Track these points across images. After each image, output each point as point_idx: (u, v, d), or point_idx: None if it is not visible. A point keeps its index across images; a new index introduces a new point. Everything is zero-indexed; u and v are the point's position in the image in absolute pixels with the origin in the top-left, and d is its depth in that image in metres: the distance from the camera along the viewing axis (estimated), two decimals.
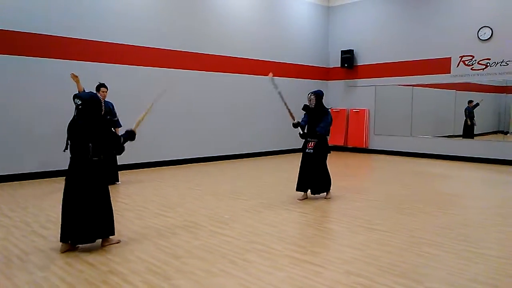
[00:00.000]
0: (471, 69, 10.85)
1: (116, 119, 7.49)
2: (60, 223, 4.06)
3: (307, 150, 6.34)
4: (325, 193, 6.44)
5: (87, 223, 3.98)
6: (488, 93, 11.28)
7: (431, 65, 11.57)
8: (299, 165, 6.50)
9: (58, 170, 8.00)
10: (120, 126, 7.55)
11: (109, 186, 7.24)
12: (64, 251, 3.99)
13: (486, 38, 10.58)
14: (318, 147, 6.25)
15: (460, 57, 11.03)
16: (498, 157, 10.48)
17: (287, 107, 6.56)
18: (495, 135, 11.18)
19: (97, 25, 8.58)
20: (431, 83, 11.68)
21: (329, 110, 6.48)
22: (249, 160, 11.13)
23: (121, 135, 4.37)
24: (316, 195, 6.48)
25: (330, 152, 6.45)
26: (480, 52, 10.68)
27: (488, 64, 10.57)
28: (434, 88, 11.75)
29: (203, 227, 4.86)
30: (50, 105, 8.01)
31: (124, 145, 4.37)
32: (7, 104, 7.55)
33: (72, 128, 4.13)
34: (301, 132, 6.42)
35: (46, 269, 3.57)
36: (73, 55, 8.29)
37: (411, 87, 12.16)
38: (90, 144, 4.03)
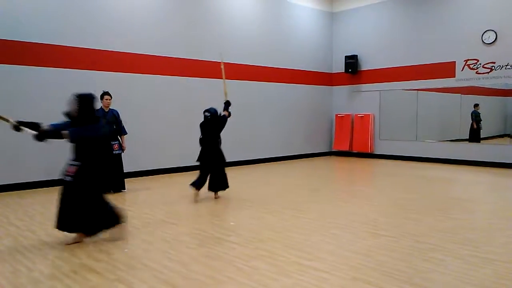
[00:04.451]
0: (476, 72, 10.82)
1: (122, 126, 7.54)
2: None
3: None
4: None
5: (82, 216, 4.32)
6: (494, 97, 11.24)
7: (436, 69, 11.55)
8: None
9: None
10: (126, 133, 7.60)
11: (115, 194, 7.33)
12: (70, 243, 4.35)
13: (490, 42, 10.56)
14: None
15: (464, 61, 11.01)
16: (504, 160, 10.42)
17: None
18: (501, 138, 11.12)
19: (100, 34, 8.66)
20: (436, 88, 11.66)
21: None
22: (256, 166, 11.13)
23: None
24: None
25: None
26: (485, 55, 10.65)
27: (493, 68, 10.55)
28: (439, 92, 11.73)
29: (209, 233, 4.87)
30: (55, 115, 8.06)
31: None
32: (13, 112, 7.60)
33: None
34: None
35: (53, 277, 3.59)
36: (78, 64, 8.38)
37: (416, 91, 12.14)
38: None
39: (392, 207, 6.24)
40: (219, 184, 6.82)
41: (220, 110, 6.99)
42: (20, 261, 4.00)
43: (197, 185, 6.67)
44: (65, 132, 4.30)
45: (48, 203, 6.65)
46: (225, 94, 7.27)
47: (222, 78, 7.44)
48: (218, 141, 6.80)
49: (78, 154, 4.45)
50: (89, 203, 4.42)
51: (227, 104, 7.10)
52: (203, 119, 6.79)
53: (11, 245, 4.49)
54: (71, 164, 4.45)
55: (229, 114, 7.00)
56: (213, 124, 6.71)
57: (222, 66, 7.43)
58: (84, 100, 4.46)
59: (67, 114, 4.50)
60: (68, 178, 4.39)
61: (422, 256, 4.02)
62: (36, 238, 4.77)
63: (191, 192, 6.76)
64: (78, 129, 4.36)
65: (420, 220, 5.42)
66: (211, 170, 6.75)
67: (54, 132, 4.35)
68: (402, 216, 5.67)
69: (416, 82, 12.03)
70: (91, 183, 4.46)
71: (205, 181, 6.75)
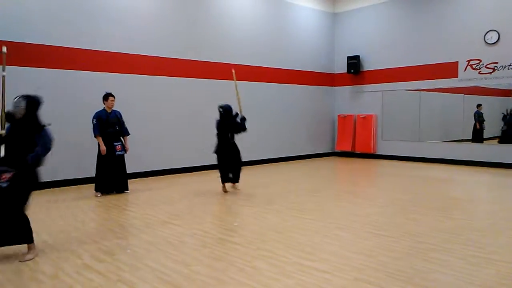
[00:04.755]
0: (479, 73, 10.80)
1: (124, 127, 7.56)
2: None
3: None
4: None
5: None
6: (496, 97, 11.22)
7: (438, 69, 11.54)
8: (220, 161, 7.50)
9: (66, 180, 8.15)
10: (128, 134, 7.62)
11: (118, 195, 7.35)
12: None
13: (493, 42, 10.53)
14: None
15: (467, 61, 10.99)
16: (507, 161, 10.38)
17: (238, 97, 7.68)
18: None
19: (101, 36, 8.68)
20: (439, 88, 11.64)
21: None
22: (258, 167, 11.14)
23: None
24: None
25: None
26: (488, 56, 10.63)
27: (496, 68, 10.52)
28: (442, 93, 11.71)
29: (211, 234, 4.89)
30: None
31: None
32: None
33: None
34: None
35: (55, 278, 3.61)
36: (78, 65, 8.41)
37: (418, 92, 12.12)
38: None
39: (394, 208, 6.24)
40: (234, 176, 7.51)
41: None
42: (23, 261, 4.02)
43: (224, 179, 7.45)
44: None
45: (49, 204, 6.69)
46: (240, 110, 7.59)
47: (238, 98, 7.76)
48: (232, 135, 7.46)
49: (13, 160, 4.02)
50: (12, 212, 4.03)
51: (243, 120, 7.47)
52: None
53: (13, 246, 4.51)
54: (5, 171, 3.95)
55: (245, 128, 7.50)
56: (226, 119, 7.31)
57: (235, 83, 7.76)
58: (33, 104, 4.15)
59: (9, 115, 4.11)
60: (4, 185, 3.92)
61: (423, 256, 4.02)
62: (39, 238, 4.78)
63: (221, 187, 7.50)
64: (38, 153, 4.08)
65: (421, 220, 5.42)
66: (228, 163, 7.38)
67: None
68: (403, 216, 5.67)
69: (419, 83, 12.01)
70: (23, 192, 4.07)
71: (228, 174, 7.43)
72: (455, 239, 4.58)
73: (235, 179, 7.58)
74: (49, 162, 7.86)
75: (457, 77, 11.20)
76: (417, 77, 12.02)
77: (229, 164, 7.44)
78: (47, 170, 7.88)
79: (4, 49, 4.55)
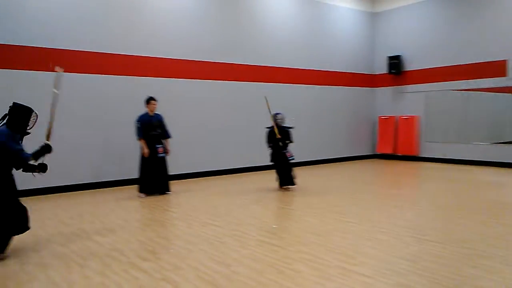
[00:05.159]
0: None
1: (166, 130, 7.74)
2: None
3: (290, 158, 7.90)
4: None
5: None
6: None
7: (485, 68, 11.04)
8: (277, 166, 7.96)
9: (109, 181, 8.49)
10: (170, 137, 7.79)
11: (160, 196, 7.55)
12: None
13: None
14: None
15: None
16: None
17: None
18: None
19: (140, 41, 8.92)
20: (486, 87, 11.14)
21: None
22: (297, 170, 11.08)
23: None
24: None
25: None
26: None
27: None
28: (490, 92, 11.20)
29: (251, 236, 4.92)
30: (101, 121, 8.43)
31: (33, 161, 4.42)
32: (65, 120, 8.01)
33: None
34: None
35: (103, 275, 3.76)
36: (120, 70, 8.71)
37: (464, 91, 11.65)
38: None
39: (438, 212, 6.03)
40: (286, 179, 7.89)
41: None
42: (73, 258, 4.22)
43: (281, 182, 7.94)
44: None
45: (96, 203, 6.97)
46: (277, 134, 7.81)
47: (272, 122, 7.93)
48: (285, 143, 7.88)
49: None
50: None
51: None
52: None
53: (64, 243, 4.74)
54: None
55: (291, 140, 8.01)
56: (279, 128, 7.79)
57: (268, 108, 8.01)
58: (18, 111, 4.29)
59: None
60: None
61: (470, 263, 3.87)
62: (86, 236, 5.00)
63: (279, 189, 7.92)
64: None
65: (469, 226, 5.21)
66: (280, 167, 7.86)
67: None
68: (448, 221, 5.47)
69: (464, 82, 11.55)
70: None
71: (283, 177, 7.86)
72: (505, 245, 4.38)
73: (289, 182, 7.90)
74: (95, 164, 8.28)
75: (506, 75, 10.68)
76: (462, 77, 11.56)
77: (281, 169, 7.90)
78: (93, 172, 8.34)
79: (60, 69, 4.94)
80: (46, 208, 6.63)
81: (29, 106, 4.38)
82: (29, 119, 4.32)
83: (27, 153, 4.32)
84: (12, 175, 4.36)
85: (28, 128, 4.35)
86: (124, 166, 8.54)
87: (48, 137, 4.61)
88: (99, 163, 8.43)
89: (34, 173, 4.47)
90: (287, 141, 7.89)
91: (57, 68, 4.92)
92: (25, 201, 4.61)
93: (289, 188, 7.93)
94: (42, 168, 4.49)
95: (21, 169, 4.40)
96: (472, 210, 6.06)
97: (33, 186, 7.15)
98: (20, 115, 4.29)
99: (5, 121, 4.28)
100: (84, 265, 4.02)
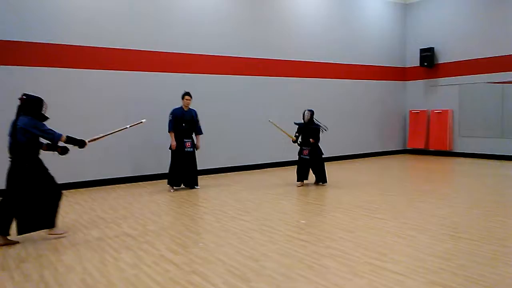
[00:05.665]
0: None
1: (198, 126, 7.79)
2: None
3: (302, 156, 7.89)
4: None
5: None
6: None
7: None
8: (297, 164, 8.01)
9: (147, 175, 8.67)
10: (201, 133, 7.83)
11: (189, 190, 7.65)
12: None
13: None
14: (312, 152, 7.79)
15: None
16: None
17: (282, 131, 8.03)
18: None
19: (164, 37, 8.99)
20: None
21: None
22: (326, 165, 10.99)
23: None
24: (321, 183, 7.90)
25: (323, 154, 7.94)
26: None
27: None
28: None
29: (279, 231, 4.92)
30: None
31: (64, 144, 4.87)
32: (103, 116, 8.21)
33: None
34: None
35: (136, 267, 3.85)
36: (151, 66, 8.85)
37: (500, 84, 11.20)
38: None
39: (474, 209, 5.84)
40: (319, 177, 7.94)
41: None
42: (107, 251, 4.34)
43: (299, 178, 7.91)
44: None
45: (130, 197, 7.13)
46: (291, 136, 7.92)
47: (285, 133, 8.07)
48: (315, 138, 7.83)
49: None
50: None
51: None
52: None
53: (99, 236, 4.88)
54: None
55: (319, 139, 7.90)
56: (310, 124, 7.79)
57: (281, 130, 8.08)
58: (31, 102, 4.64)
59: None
60: None
61: (508, 261, 3.74)
62: (120, 230, 5.13)
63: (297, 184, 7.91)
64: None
65: (505, 223, 5.03)
66: (310, 165, 7.87)
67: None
68: (484, 219, 5.29)
69: (500, 74, 11.10)
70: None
71: (302, 174, 7.86)
72: None
73: (321, 179, 7.95)
74: (134, 158, 8.47)
75: None
76: (498, 69, 11.12)
77: (311, 166, 7.91)
78: (133, 166, 8.54)
79: (143, 121, 5.96)
80: (82, 202, 6.84)
81: (39, 96, 4.73)
82: (42, 107, 4.70)
83: (57, 133, 4.71)
84: (39, 158, 4.76)
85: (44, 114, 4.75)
86: (161, 160, 8.61)
87: (91, 140, 5.10)
88: (137, 157, 8.63)
89: (54, 152, 4.89)
90: (311, 139, 7.75)
91: (143, 121, 5.95)
92: (64, 194, 4.89)
93: (323, 184, 7.97)
94: (64, 150, 4.92)
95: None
96: (510, 207, 5.83)
97: (72, 179, 7.52)
98: (36, 104, 4.64)
99: (21, 112, 4.62)
100: (118, 258, 4.13)
